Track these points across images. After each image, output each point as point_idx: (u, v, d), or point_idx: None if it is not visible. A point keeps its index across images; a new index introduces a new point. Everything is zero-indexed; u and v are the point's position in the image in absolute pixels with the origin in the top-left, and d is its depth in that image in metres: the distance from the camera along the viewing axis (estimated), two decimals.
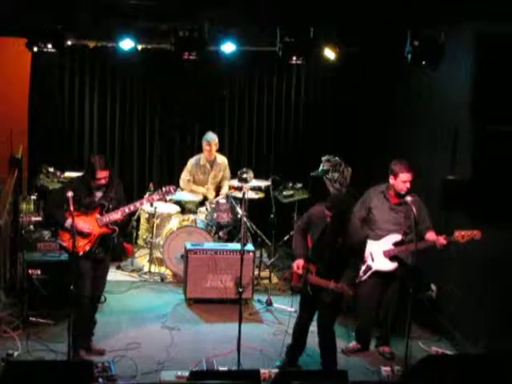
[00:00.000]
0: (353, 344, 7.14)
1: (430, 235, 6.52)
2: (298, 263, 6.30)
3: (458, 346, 7.11)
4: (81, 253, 6.36)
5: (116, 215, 6.46)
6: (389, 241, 6.71)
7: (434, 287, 7.62)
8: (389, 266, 6.72)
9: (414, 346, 6.53)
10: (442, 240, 6.46)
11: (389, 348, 6.98)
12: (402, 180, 6.62)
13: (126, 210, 6.52)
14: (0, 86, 9.25)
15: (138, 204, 6.67)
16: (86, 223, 6.42)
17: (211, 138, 9.31)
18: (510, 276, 6.34)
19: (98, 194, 6.51)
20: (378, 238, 6.76)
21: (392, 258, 6.70)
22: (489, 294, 6.65)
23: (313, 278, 6.24)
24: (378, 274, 6.78)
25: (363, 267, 6.73)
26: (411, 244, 6.42)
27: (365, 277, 6.78)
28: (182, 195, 9.23)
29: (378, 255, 6.73)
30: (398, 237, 6.69)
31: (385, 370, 6.49)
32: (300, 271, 6.30)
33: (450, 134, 7.34)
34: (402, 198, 6.65)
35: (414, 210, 6.31)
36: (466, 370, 5.07)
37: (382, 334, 7.03)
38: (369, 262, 6.75)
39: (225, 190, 9.44)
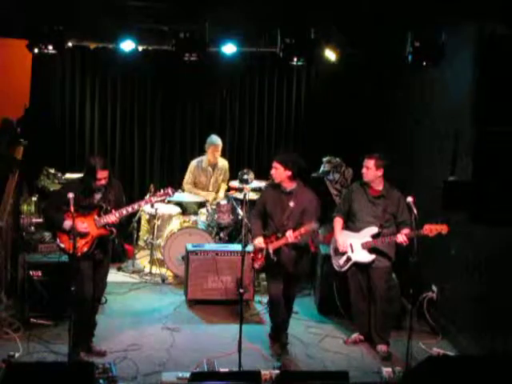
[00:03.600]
0: (355, 336, 7.21)
1: (405, 230, 6.66)
2: (259, 240, 6.69)
3: (459, 347, 7.10)
4: (78, 254, 6.35)
5: (113, 217, 6.45)
6: (367, 233, 6.89)
7: (434, 288, 7.62)
8: (368, 257, 6.90)
9: (414, 347, 6.52)
10: (412, 234, 6.54)
11: (386, 347, 6.98)
12: (364, 166, 6.92)
13: (124, 212, 6.51)
14: (0, 87, 9.25)
15: (136, 206, 6.65)
16: (84, 224, 6.41)
17: (218, 141, 9.29)
18: (510, 276, 6.34)
19: (97, 196, 6.50)
20: (357, 230, 6.96)
21: (371, 250, 6.87)
22: (489, 294, 6.64)
23: (272, 244, 6.62)
24: (358, 265, 6.98)
25: (343, 258, 6.99)
26: (388, 236, 6.77)
27: (345, 268, 7.02)
28: (183, 196, 9.23)
29: (357, 247, 6.91)
30: (375, 229, 6.85)
31: (385, 370, 6.47)
32: (262, 245, 6.65)
33: (451, 135, 7.33)
34: (379, 191, 6.91)
35: (415, 210, 6.37)
36: (467, 371, 5.07)
37: (379, 332, 7.03)
38: (349, 253, 6.96)
39: (221, 194, 9.44)
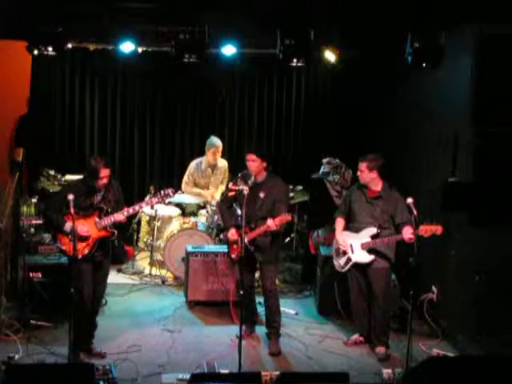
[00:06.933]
0: (355, 337, 7.20)
1: (407, 229, 6.57)
2: (232, 231, 6.90)
3: (459, 348, 7.10)
4: (79, 256, 6.35)
5: (121, 215, 6.45)
6: (366, 234, 6.88)
7: (434, 289, 7.62)
8: (367, 258, 6.90)
9: (414, 348, 6.51)
10: (409, 235, 6.48)
11: (384, 349, 6.96)
12: (358, 169, 6.92)
13: (125, 213, 6.51)
14: (0, 88, 9.25)
15: (136, 207, 6.66)
16: (85, 226, 6.40)
17: (218, 143, 9.27)
18: (510, 277, 6.34)
19: (97, 198, 6.51)
20: (357, 230, 6.96)
21: (370, 251, 6.87)
22: (489, 295, 6.64)
23: (249, 235, 6.74)
24: (358, 265, 6.97)
25: (344, 259, 7.00)
26: (387, 237, 6.76)
27: (346, 268, 7.03)
28: (183, 198, 9.22)
29: (357, 247, 6.91)
30: (374, 230, 6.85)
31: (386, 372, 6.46)
32: (236, 237, 6.81)
33: (450, 136, 7.33)
34: (377, 192, 6.89)
35: (415, 211, 6.35)
36: (467, 371, 5.07)
37: (378, 333, 7.02)
38: (349, 254, 6.97)
39: (217, 194, 9.41)
